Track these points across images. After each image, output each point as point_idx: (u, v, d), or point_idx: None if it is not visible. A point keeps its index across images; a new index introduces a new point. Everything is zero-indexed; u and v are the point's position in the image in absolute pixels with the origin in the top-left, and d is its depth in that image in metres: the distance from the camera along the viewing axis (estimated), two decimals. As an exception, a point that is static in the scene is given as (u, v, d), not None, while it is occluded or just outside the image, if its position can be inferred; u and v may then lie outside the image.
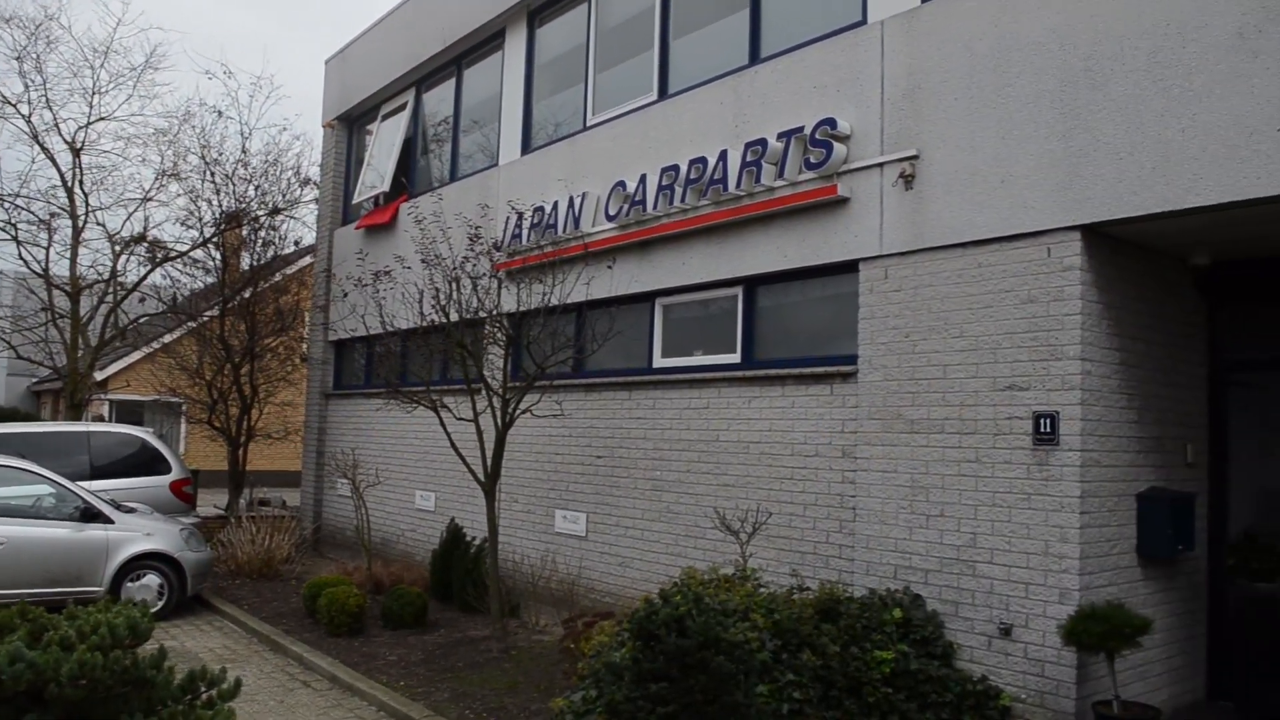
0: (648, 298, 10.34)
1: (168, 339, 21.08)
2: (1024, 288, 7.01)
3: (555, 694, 7.16)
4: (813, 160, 8.36)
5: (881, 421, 7.82)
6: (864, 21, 8.42)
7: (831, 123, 8.26)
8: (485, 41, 13.78)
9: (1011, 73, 7.24)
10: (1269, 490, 8.17)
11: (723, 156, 9.17)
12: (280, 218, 18.18)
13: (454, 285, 9.82)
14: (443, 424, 10.10)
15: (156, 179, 18.75)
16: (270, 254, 17.98)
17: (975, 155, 7.39)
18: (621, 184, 10.36)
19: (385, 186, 15.47)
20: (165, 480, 14.49)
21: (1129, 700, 6.65)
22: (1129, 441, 7.15)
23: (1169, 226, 6.80)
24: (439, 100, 15.20)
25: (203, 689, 4.29)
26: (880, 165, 8.00)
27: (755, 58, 9.48)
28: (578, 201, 10.92)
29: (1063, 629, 6.50)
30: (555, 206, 11.22)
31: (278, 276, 18.91)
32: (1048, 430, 6.78)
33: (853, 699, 6.62)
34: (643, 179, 10.10)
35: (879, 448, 7.83)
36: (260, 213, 17.87)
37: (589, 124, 11.51)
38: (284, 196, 18.14)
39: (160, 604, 11.31)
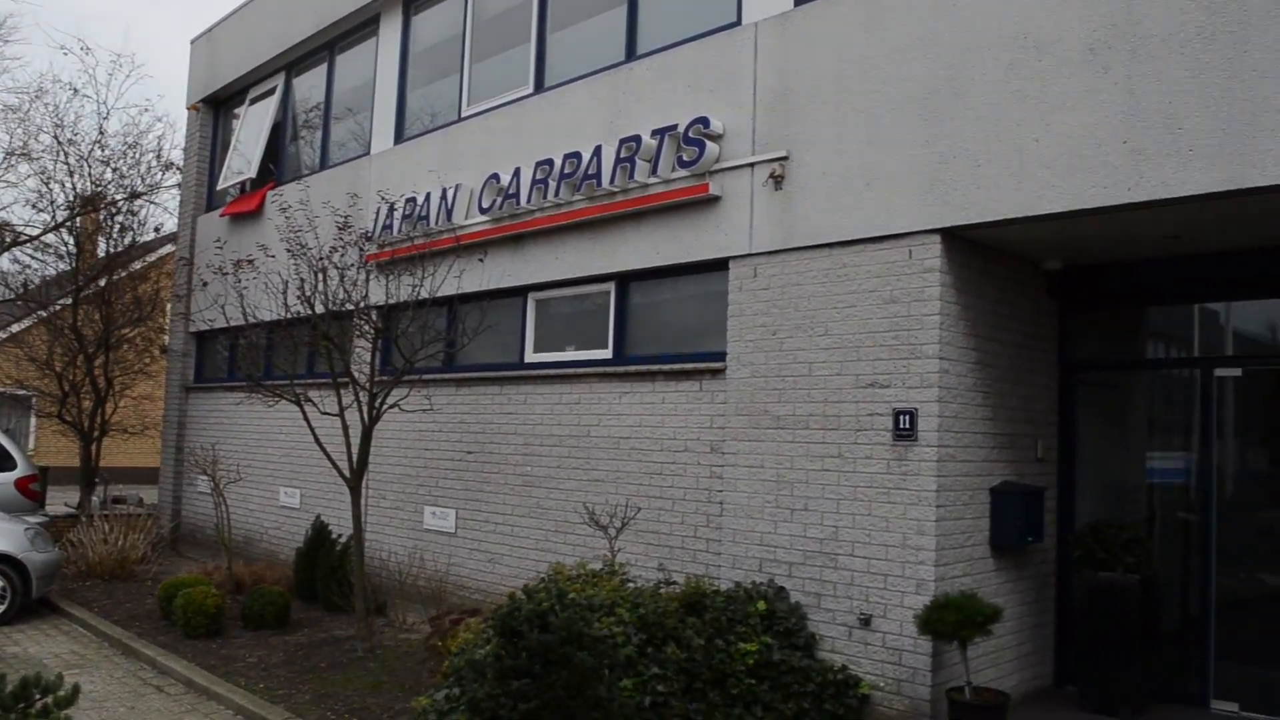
0: (520, 292, 10.28)
1: (15, 328, 20.01)
2: (886, 288, 7.21)
3: (420, 693, 7.04)
4: (686, 158, 8.42)
5: (749, 417, 7.94)
6: (738, 23, 8.52)
7: (705, 122, 8.33)
8: (359, 27, 13.47)
9: (879, 79, 7.43)
10: (1113, 484, 8.59)
11: (597, 152, 9.17)
12: (140, 202, 17.46)
13: (320, 276, 9.57)
14: (306, 419, 9.84)
15: (5, 158, 17.72)
16: (128, 240, 17.24)
17: (843, 158, 7.55)
18: (495, 177, 10.26)
19: (252, 173, 15.00)
20: (10, 477, 13.74)
21: (980, 686, 6.90)
22: (983, 437, 7.42)
23: (1024, 232, 7.07)
24: (310, 85, 14.80)
25: (37, 696, 4.07)
26: (751, 165, 8.12)
27: (632, 54, 9.50)
28: (451, 193, 10.78)
29: (919, 618, 6.70)
30: (428, 198, 11.05)
31: (136, 264, 18.13)
32: (907, 427, 6.99)
33: (717, 691, 6.69)
34: (517, 172, 10.02)
35: (746, 443, 7.94)
36: (118, 197, 17.12)
37: (464, 115, 11.37)
38: (144, 180, 17.42)
39: (2, 608, 10.72)
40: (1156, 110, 6.10)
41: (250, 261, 10.97)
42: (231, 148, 15.99)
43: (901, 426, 7.02)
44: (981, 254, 7.43)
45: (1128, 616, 7.39)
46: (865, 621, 7.15)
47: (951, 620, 6.53)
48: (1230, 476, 7.89)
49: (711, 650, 6.78)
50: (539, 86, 10.47)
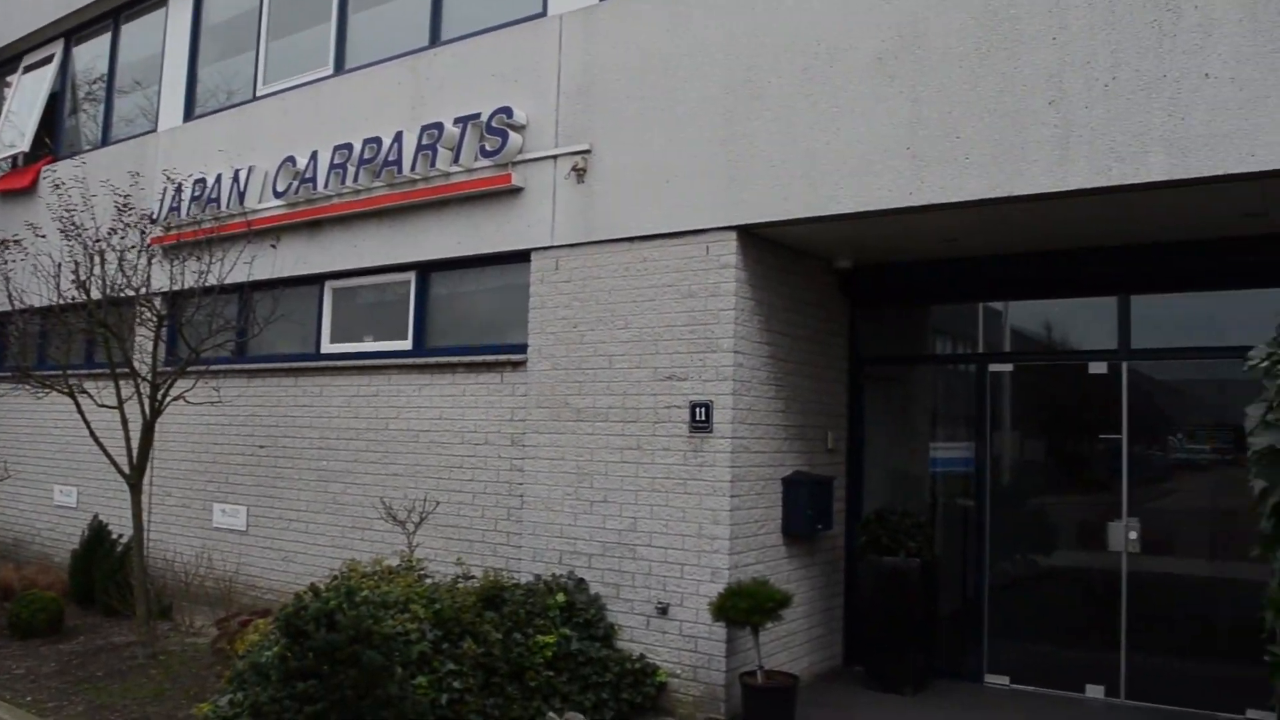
0: (317, 280, 9.95)
1: None
2: (685, 283, 7.33)
3: (205, 699, 6.71)
4: (488, 148, 8.33)
5: (550, 410, 7.93)
6: (544, 14, 8.46)
7: (508, 112, 8.25)
8: (147, -5, 12.70)
9: (680, 77, 7.53)
10: (897, 472, 9.03)
11: (398, 138, 8.95)
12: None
13: (97, 259, 8.96)
14: (81, 412, 9.21)
15: None
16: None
17: (644, 153, 7.62)
18: (291, 159, 9.87)
19: (25, 146, 13.91)
20: None
21: (772, 669, 7.12)
22: (776, 429, 7.65)
23: (816, 231, 7.33)
24: (93, 55, 13.82)
25: None
26: (554, 157, 8.10)
27: (436, 39, 9.32)
28: (244, 175, 10.30)
29: (713, 606, 6.85)
30: (219, 179, 10.53)
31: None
32: (703, 419, 7.13)
33: (515, 684, 6.66)
34: (314, 156, 9.67)
35: (547, 435, 7.93)
36: None
37: (259, 94, 10.89)
38: (-102, 150, 15.87)
39: None
40: (938, 119, 6.43)
41: (18, 242, 10.18)
42: (3, 118, 14.78)
43: (698, 418, 7.15)
44: (776, 251, 7.65)
45: (909, 599, 7.77)
46: (663, 610, 7.26)
47: (744, 607, 6.70)
48: (1006, 465, 8.43)
49: (510, 644, 6.73)
50: (339, 68, 10.14)
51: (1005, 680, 8.02)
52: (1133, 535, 7.56)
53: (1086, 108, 5.96)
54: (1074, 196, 6.08)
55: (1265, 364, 3.00)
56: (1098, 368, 7.84)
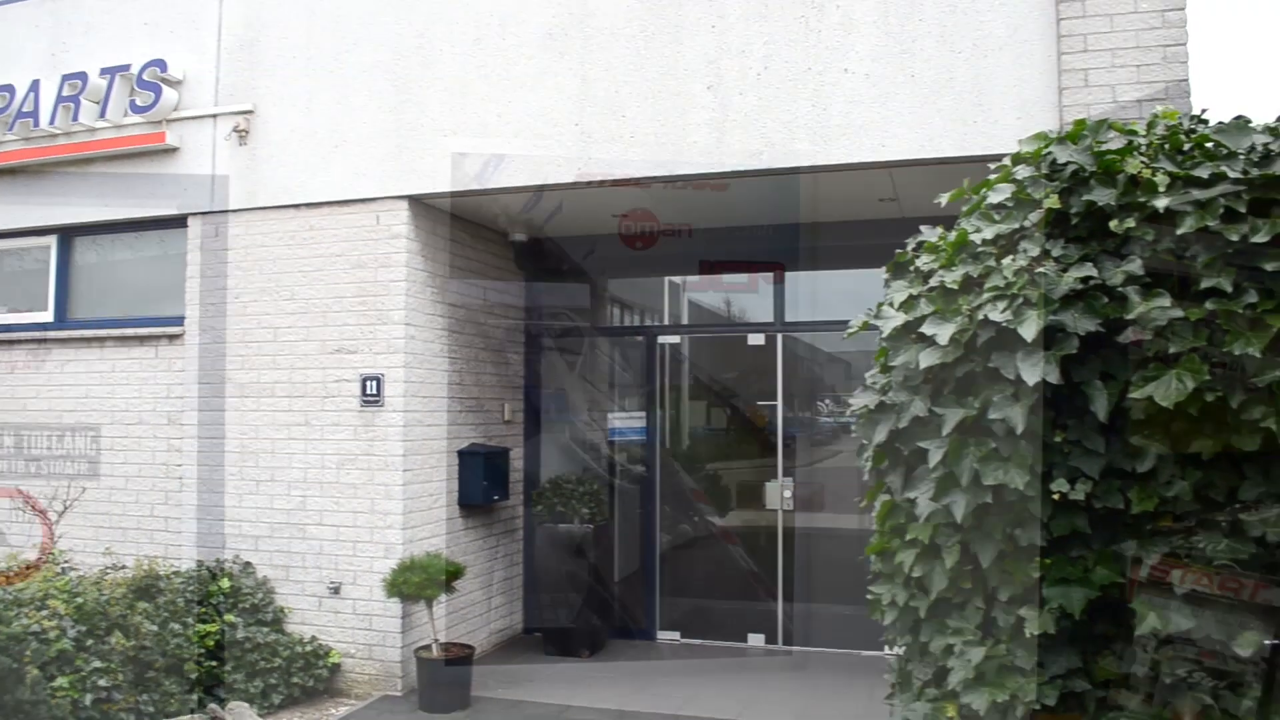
0: (-63, 243, 8.85)
1: None
2: (354, 253, 7.14)
3: None
4: (139, 103, 7.71)
5: (211, 386, 7.50)
6: (203, -40, 7.92)
7: (162, 65, 7.68)
8: None
9: (350, 39, 7.29)
10: (575, 441, 9.25)
11: (35, 87, 8.10)
12: None
13: None
14: None
15: None
16: None
17: (312, 117, 7.33)
18: (-97, 106, 8.70)
19: None
20: None
21: (450, 642, 7.13)
22: (451, 402, 7.63)
23: (488, 203, 7.33)
24: None
25: None
26: (214, 116, 7.62)
27: (80, -20, 8.49)
28: None
29: (386, 582, 6.75)
30: None
31: None
32: (374, 392, 7.00)
33: (174, 677, 6.30)
34: (-67, 103, 8.57)
35: (208, 413, 7.50)
36: None
37: None
38: None
39: None
40: (605, 98, 6.61)
41: None
42: None
43: (369, 392, 7.01)
44: (450, 222, 7.60)
45: (583, 563, 8.00)
46: (335, 590, 7.09)
47: (416, 581, 6.64)
48: (677, 433, 8.84)
49: (167, 635, 6.36)
50: (-38, 4, 9.03)
51: (676, 636, 8.46)
52: (787, 494, 8.15)
53: (741, 94, 6.32)
54: (730, 177, 6.44)
55: (862, 331, 3.31)
56: (756, 339, 8.36)
